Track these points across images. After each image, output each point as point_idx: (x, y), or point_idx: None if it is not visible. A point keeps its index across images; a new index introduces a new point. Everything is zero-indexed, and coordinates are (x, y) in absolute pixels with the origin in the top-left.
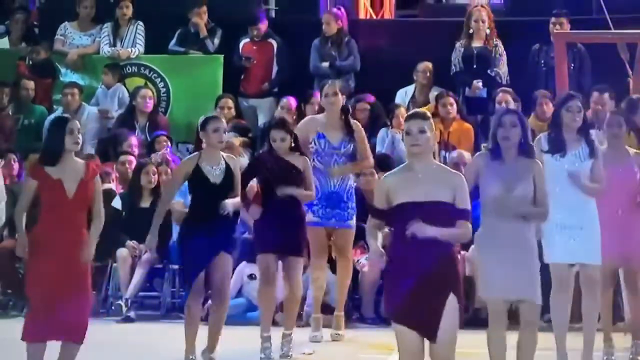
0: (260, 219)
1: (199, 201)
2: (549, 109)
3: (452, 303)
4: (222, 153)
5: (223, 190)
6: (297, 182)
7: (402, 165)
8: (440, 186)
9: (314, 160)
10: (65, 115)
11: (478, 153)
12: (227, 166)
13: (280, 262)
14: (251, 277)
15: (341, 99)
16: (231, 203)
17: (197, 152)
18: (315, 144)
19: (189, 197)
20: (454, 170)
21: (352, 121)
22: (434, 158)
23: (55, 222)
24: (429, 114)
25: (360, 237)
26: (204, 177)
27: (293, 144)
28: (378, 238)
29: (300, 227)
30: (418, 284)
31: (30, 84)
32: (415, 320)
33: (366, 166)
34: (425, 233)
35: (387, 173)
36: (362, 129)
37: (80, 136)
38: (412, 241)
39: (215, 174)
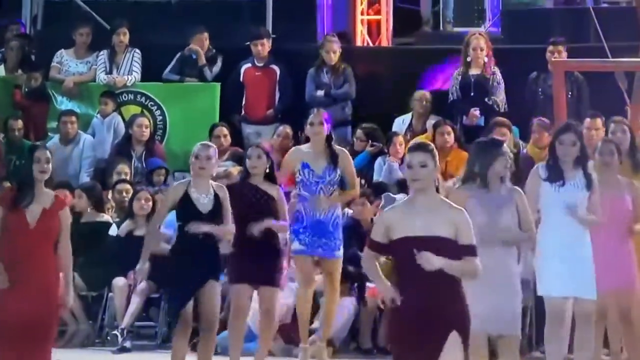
0: (235, 249)
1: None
2: (543, 138)
3: (454, 340)
4: (211, 182)
5: (211, 220)
6: (272, 212)
7: (404, 200)
8: (441, 221)
9: (299, 189)
10: (38, 143)
11: (462, 185)
12: (216, 195)
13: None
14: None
15: (326, 128)
16: (196, 226)
17: (186, 179)
18: (300, 174)
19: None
20: (455, 205)
21: (338, 148)
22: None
23: (17, 251)
24: (432, 145)
25: (352, 265)
26: (193, 206)
27: (268, 171)
28: (380, 272)
29: (276, 256)
30: (421, 319)
31: (19, 124)
32: (415, 357)
33: (352, 195)
34: (433, 264)
35: (388, 207)
36: (349, 155)
37: (48, 166)
38: (418, 276)
39: (203, 203)
